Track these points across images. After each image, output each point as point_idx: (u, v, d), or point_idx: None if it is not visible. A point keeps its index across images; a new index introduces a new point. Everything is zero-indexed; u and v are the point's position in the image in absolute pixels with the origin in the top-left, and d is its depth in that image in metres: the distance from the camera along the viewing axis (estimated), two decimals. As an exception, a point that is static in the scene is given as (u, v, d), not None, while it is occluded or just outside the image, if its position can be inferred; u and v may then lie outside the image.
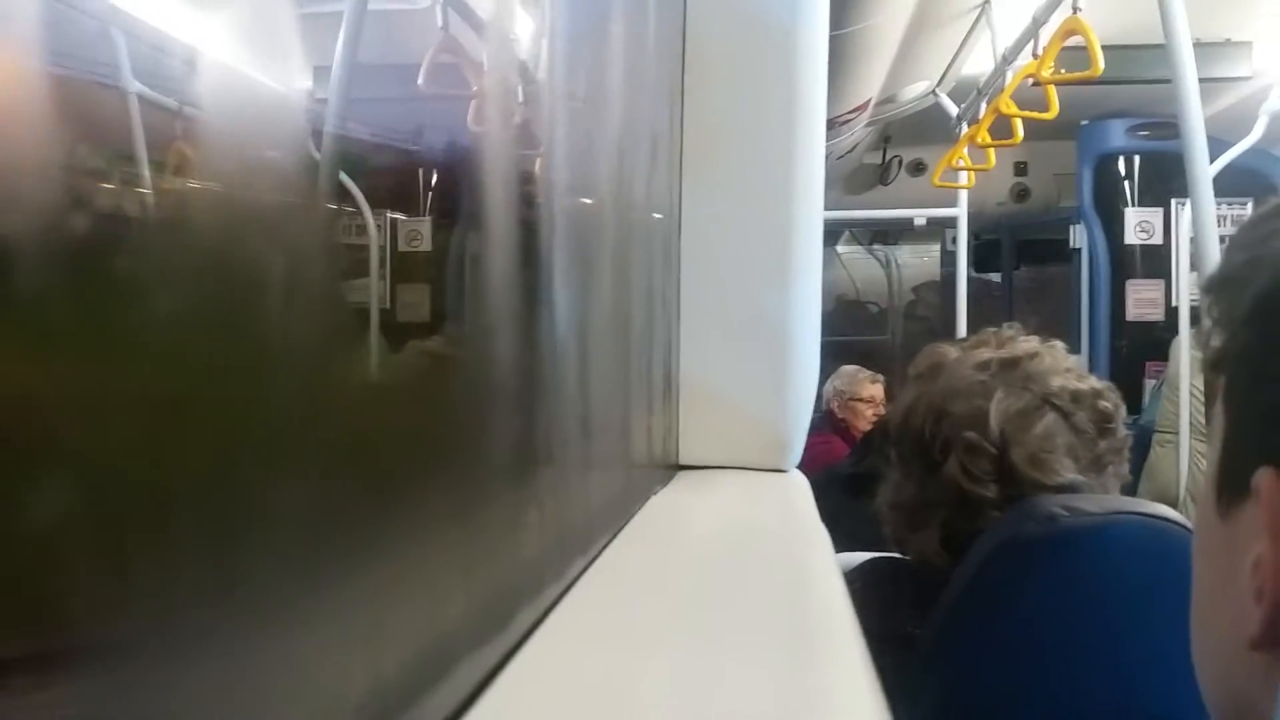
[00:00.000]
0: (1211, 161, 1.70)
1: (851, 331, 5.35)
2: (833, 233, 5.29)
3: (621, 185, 0.66)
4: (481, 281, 0.39)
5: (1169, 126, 2.93)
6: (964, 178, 3.25)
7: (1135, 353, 3.90)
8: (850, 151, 3.78)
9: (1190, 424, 3.06)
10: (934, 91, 3.29)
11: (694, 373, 0.87)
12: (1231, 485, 0.40)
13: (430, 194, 2.82)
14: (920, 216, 3.79)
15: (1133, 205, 3.89)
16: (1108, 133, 3.80)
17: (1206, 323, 0.42)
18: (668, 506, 0.69)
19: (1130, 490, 0.97)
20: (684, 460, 0.88)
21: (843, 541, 1.19)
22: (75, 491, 0.19)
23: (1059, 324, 3.76)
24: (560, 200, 0.52)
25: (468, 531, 0.35)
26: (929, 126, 3.51)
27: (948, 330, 3.95)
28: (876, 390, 3.08)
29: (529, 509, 0.41)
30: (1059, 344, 0.97)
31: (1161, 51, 1.75)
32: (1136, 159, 3.83)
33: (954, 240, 3.76)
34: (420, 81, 1.71)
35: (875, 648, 0.89)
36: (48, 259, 0.19)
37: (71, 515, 0.19)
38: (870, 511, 1.52)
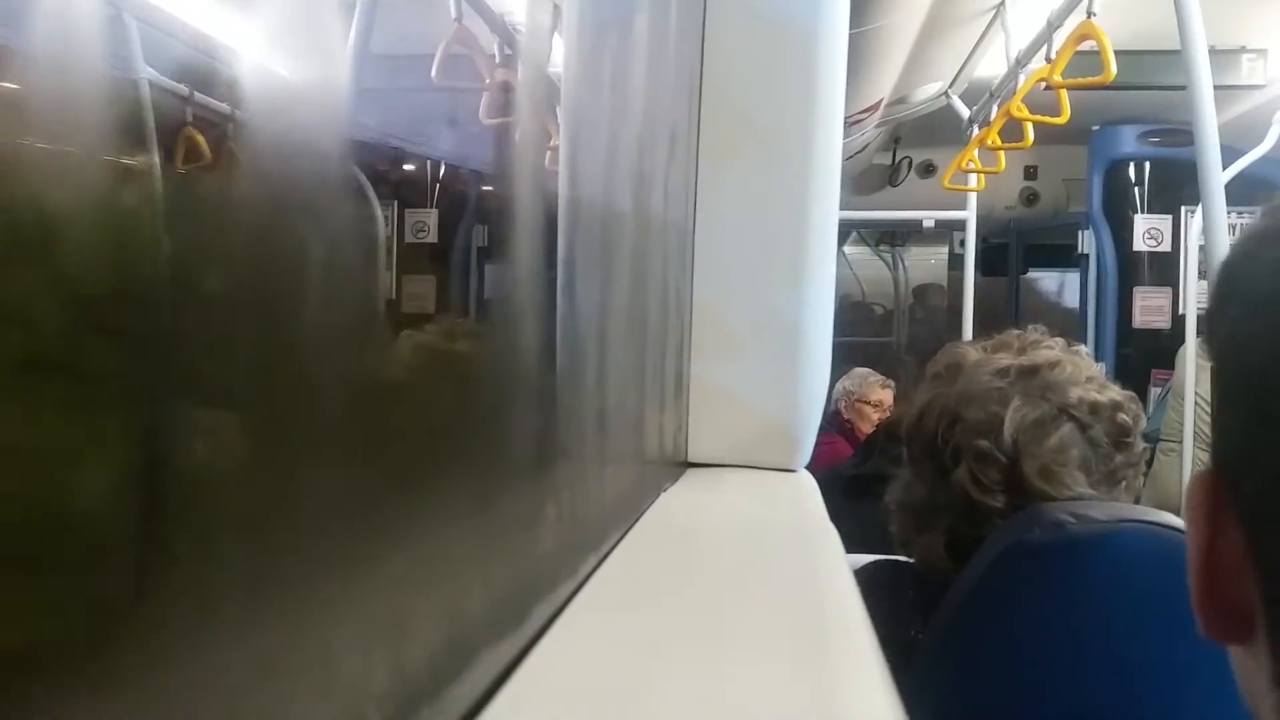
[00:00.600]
0: (1223, 169, 1.70)
1: (857, 333, 5.34)
2: (840, 233, 5.26)
3: (637, 182, 0.66)
4: (498, 277, 0.39)
5: (1180, 133, 2.92)
6: (973, 180, 3.25)
7: (1141, 360, 3.89)
8: (860, 152, 3.77)
9: (1194, 433, 3.05)
10: (946, 93, 3.28)
11: (705, 370, 0.87)
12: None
13: (439, 187, 2.82)
14: (929, 218, 3.78)
15: (1142, 212, 3.88)
16: (1119, 138, 3.79)
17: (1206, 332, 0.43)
18: (678, 504, 0.69)
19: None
20: (693, 458, 0.88)
21: (844, 543, 1.19)
22: (102, 480, 0.19)
23: (1065, 329, 3.74)
24: (575, 196, 0.52)
25: (486, 525, 0.35)
26: (939, 128, 3.50)
27: (953, 333, 3.94)
28: (886, 395, 3.07)
29: (545, 504, 0.41)
30: (1083, 349, 0.96)
31: (1174, 57, 1.74)
32: (1147, 165, 3.83)
33: (962, 243, 3.75)
34: (434, 73, 1.71)
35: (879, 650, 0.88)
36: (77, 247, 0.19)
37: (98, 503, 0.19)
38: (872, 514, 1.52)
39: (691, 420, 0.87)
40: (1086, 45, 2.01)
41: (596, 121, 0.58)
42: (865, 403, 3.06)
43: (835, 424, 3.03)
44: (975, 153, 2.90)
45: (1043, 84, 2.18)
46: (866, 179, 4.31)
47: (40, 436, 0.19)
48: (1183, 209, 3.74)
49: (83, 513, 0.19)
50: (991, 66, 2.93)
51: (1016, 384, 0.90)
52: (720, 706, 0.33)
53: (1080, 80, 2.13)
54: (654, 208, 0.72)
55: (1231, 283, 0.39)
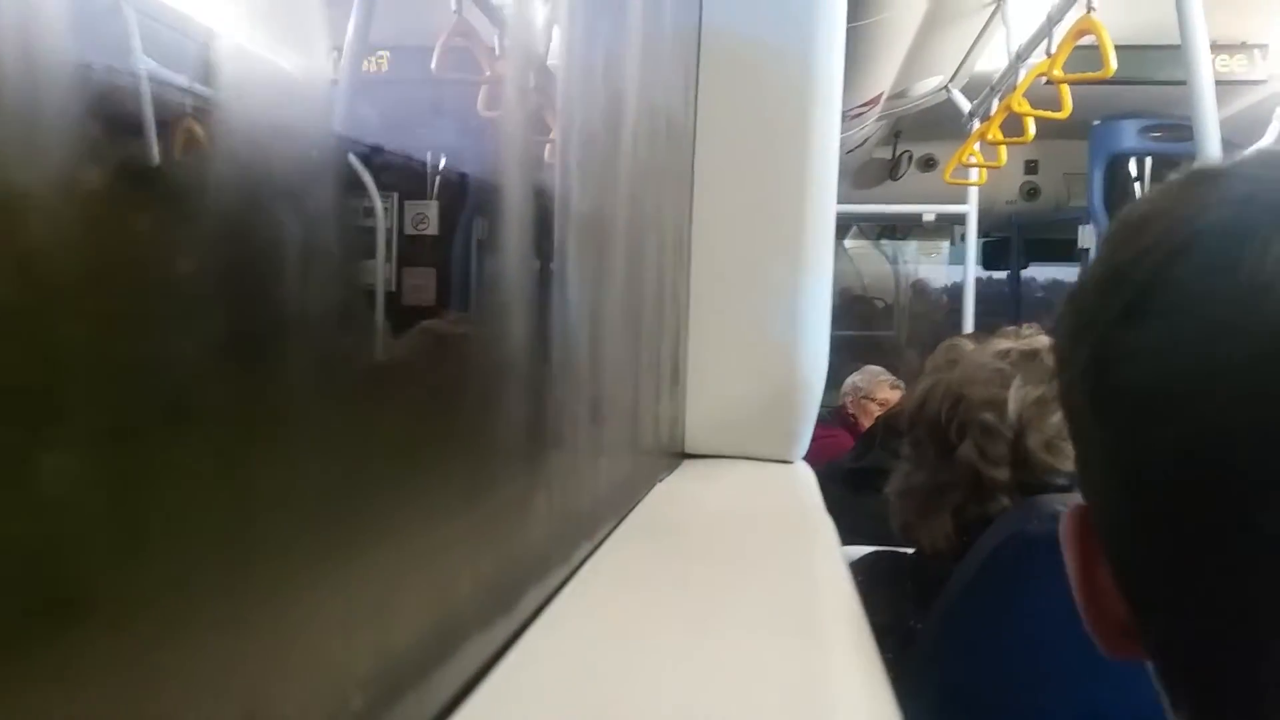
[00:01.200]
0: (1224, 164, 1.69)
1: (857, 326, 5.33)
2: (840, 227, 5.25)
3: (634, 173, 0.65)
4: (491, 266, 0.39)
5: (1181, 128, 2.91)
6: (975, 174, 3.24)
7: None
8: (860, 146, 3.76)
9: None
10: (946, 87, 3.27)
11: (702, 362, 0.87)
12: None
13: (438, 179, 2.82)
14: (930, 212, 3.77)
15: (1142, 207, 3.86)
16: (1119, 133, 3.78)
17: None
18: (673, 494, 0.69)
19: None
20: (690, 449, 0.88)
21: (843, 536, 1.19)
22: (84, 460, 0.19)
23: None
24: (572, 188, 0.52)
25: (476, 512, 0.35)
26: (940, 122, 3.49)
27: (953, 328, 3.94)
28: (894, 396, 3.07)
29: (537, 492, 0.41)
30: None
31: (1175, 52, 1.74)
32: (1148, 161, 3.82)
33: (962, 237, 3.74)
34: (434, 65, 1.71)
35: (877, 642, 0.89)
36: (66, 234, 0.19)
37: (81, 483, 0.19)
38: (871, 507, 1.52)
39: (689, 412, 0.87)
40: (1087, 40, 2.01)
41: (593, 113, 0.58)
42: (871, 400, 3.06)
43: (840, 419, 3.03)
44: (976, 147, 2.89)
45: (1043, 79, 2.18)
46: (867, 173, 4.30)
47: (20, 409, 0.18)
48: (1183, 204, 3.72)
49: (62, 490, 0.19)
50: (992, 61, 2.92)
51: (1018, 365, 0.90)
52: (710, 690, 0.33)
53: (1080, 75, 2.13)
54: (651, 199, 0.72)
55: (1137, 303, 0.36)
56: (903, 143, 4.23)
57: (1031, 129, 2.43)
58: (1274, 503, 0.31)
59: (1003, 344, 0.94)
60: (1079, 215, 4.08)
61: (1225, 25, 2.85)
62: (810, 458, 0.94)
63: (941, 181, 3.35)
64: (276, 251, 0.25)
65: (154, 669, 0.20)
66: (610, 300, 0.58)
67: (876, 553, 1.11)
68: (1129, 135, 3.74)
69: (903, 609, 0.96)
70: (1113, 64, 1.95)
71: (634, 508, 0.60)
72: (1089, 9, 1.97)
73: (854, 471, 1.89)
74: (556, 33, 0.52)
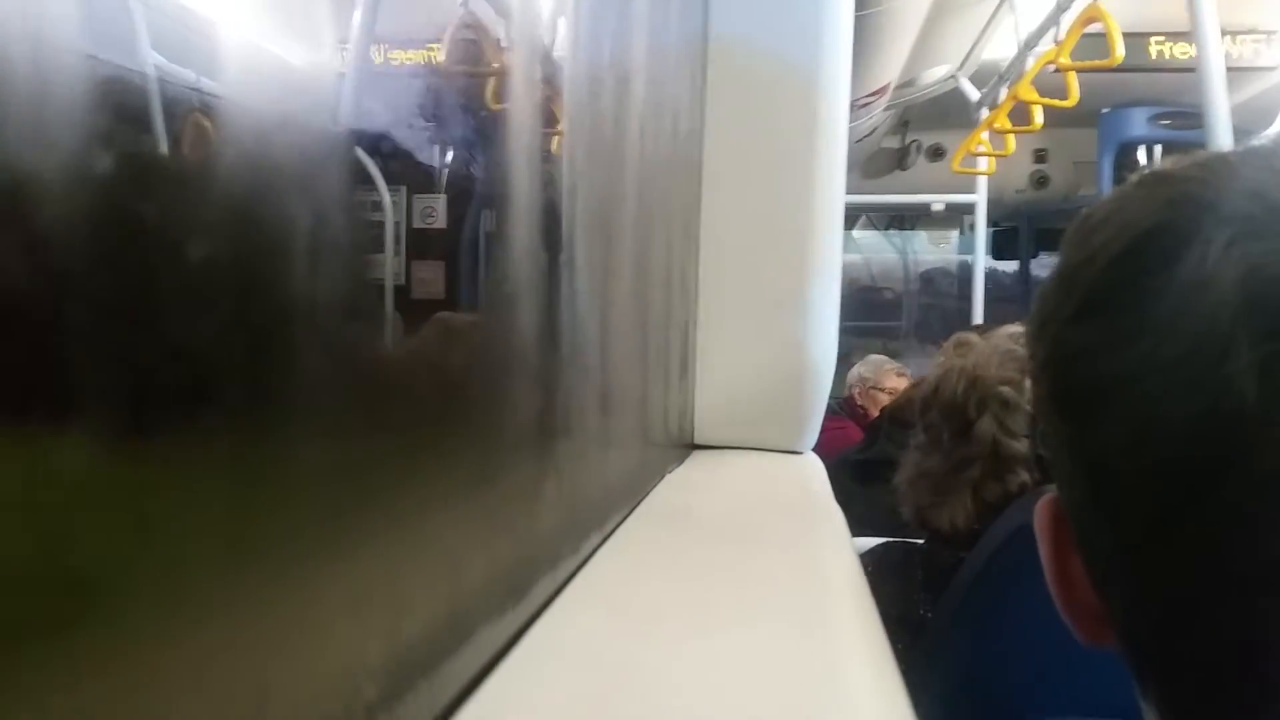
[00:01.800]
0: (1234, 151, 1.68)
1: (866, 317, 5.33)
2: (849, 217, 5.25)
3: (642, 164, 0.65)
4: (502, 258, 0.39)
5: (1191, 116, 2.90)
6: (983, 163, 3.23)
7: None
8: (869, 135, 3.75)
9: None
10: (955, 76, 3.26)
11: (711, 353, 0.87)
12: None
13: (447, 171, 2.82)
14: (939, 202, 3.77)
15: (1152, 195, 3.84)
16: (1129, 121, 3.76)
17: None
18: (682, 485, 0.70)
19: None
20: (699, 440, 0.88)
21: (852, 527, 1.19)
22: (96, 448, 0.20)
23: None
24: (581, 180, 0.52)
25: (487, 503, 0.35)
26: (948, 111, 3.48)
27: (963, 318, 3.93)
28: (900, 383, 3.06)
29: (547, 482, 0.41)
30: None
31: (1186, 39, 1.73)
32: (1157, 148, 3.80)
33: (972, 227, 3.73)
34: (441, 57, 1.71)
35: (887, 631, 0.89)
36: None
37: (94, 472, 0.19)
38: (879, 498, 1.51)
39: (698, 403, 0.87)
40: (1095, 28, 2.00)
41: (601, 103, 0.58)
42: (880, 390, 3.05)
43: (848, 410, 3.02)
44: (984, 136, 2.88)
45: (1051, 66, 2.17)
46: (875, 163, 4.28)
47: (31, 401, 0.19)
48: (1194, 192, 3.70)
49: (69, 476, 0.19)
50: (1000, 49, 2.91)
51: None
52: (721, 684, 0.33)
53: (1088, 63, 2.12)
54: (659, 190, 0.72)
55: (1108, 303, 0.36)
56: (911, 132, 4.22)
57: (1039, 117, 2.42)
58: (1209, 496, 0.31)
59: (1014, 328, 0.95)
60: (1089, 203, 4.05)
61: (1235, 11, 2.83)
62: (820, 449, 0.94)
63: (950, 171, 3.34)
64: (287, 242, 0.25)
65: (164, 658, 0.20)
66: (619, 293, 0.58)
67: (887, 543, 1.11)
68: (1138, 123, 3.72)
69: (913, 599, 0.96)
70: (1120, 51, 1.94)
71: (644, 498, 0.60)
72: (1095, -5, 1.96)
73: (860, 463, 1.89)
74: (564, 22, 0.52)
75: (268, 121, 0.25)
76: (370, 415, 0.28)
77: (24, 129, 0.17)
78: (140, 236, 0.23)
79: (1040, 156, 4.25)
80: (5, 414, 0.17)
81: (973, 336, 0.99)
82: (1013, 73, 2.62)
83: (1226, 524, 0.32)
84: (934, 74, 3.23)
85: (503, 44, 0.48)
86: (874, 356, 3.19)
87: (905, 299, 5.67)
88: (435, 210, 2.98)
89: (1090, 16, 1.97)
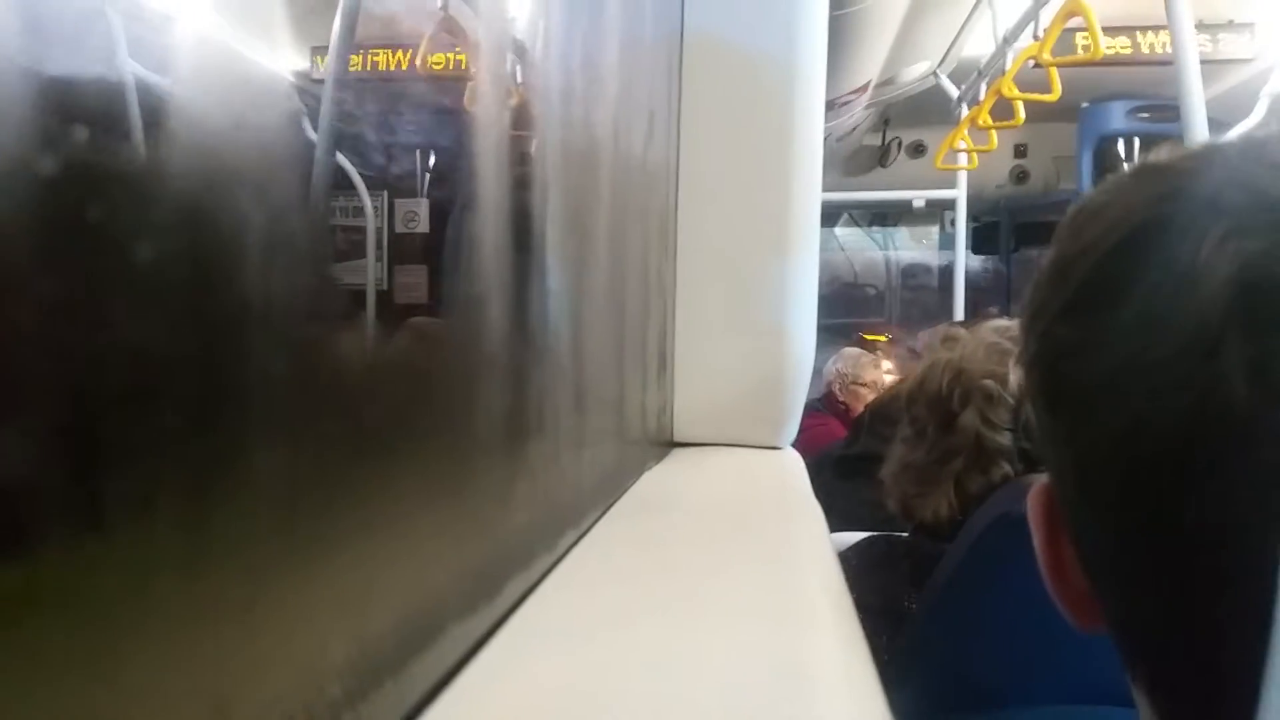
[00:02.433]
0: (1211, 143, 1.69)
1: (849, 314, 5.34)
2: (831, 215, 5.28)
3: (617, 161, 0.65)
4: (475, 258, 0.39)
5: (1169, 109, 2.91)
6: (964, 159, 3.24)
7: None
8: (850, 133, 3.76)
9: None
10: (935, 73, 3.27)
11: (690, 350, 0.87)
12: None
13: (425, 175, 2.82)
14: (919, 198, 3.78)
15: (1132, 188, 3.85)
16: (1108, 114, 3.78)
17: None
18: (660, 482, 0.70)
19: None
20: (679, 437, 0.88)
21: (836, 523, 1.20)
22: (48, 448, 0.19)
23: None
24: (555, 178, 0.52)
25: (456, 501, 0.35)
26: (929, 108, 3.49)
27: (944, 313, 3.94)
28: (879, 374, 3.07)
29: (520, 481, 0.41)
30: None
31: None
32: (1136, 141, 3.82)
33: (952, 222, 3.75)
34: (418, 61, 1.71)
35: (872, 623, 0.89)
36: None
37: (43, 469, 0.19)
38: (863, 493, 1.51)
39: (677, 400, 0.88)
40: (1075, 21, 2.01)
41: (575, 100, 0.58)
42: (860, 384, 3.05)
43: (829, 406, 3.02)
44: (966, 131, 2.89)
45: (1032, 62, 2.18)
46: (857, 160, 4.30)
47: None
48: (1173, 185, 3.72)
49: (25, 474, 0.19)
50: (979, 45, 2.92)
51: (1017, 340, 0.92)
52: (694, 680, 0.34)
53: (1068, 58, 2.12)
54: (636, 188, 0.72)
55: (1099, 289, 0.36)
56: (892, 129, 4.23)
57: (1021, 112, 2.43)
58: (1199, 494, 0.32)
59: (1000, 322, 0.96)
60: (1069, 198, 4.07)
61: (1212, 4, 2.85)
62: (802, 446, 0.95)
63: (931, 167, 3.35)
64: (240, 244, 0.25)
65: (119, 657, 0.20)
66: (594, 293, 0.58)
67: (871, 537, 1.12)
68: (1117, 117, 3.74)
69: (897, 591, 0.96)
70: (1101, 46, 1.95)
71: (621, 496, 0.60)
72: (1076, -10, 1.97)
73: (844, 459, 1.90)
74: (540, 23, 0.52)
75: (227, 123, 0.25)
76: (337, 413, 0.28)
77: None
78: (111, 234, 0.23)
79: (1020, 151, 4.27)
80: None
81: (960, 330, 0.99)
82: (992, 69, 2.62)
83: (1216, 521, 0.32)
84: (914, 71, 3.24)
85: (480, 45, 0.48)
86: (848, 350, 3.19)
87: (888, 295, 5.69)
88: (416, 214, 2.97)
89: (1071, 11, 1.97)
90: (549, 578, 0.42)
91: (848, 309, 5.36)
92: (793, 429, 0.90)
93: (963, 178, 3.48)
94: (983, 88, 2.72)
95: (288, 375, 0.26)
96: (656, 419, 0.80)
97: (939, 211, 4.89)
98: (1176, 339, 0.32)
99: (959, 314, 3.61)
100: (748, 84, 0.86)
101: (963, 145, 3.01)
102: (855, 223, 5.59)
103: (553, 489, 0.46)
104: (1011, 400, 0.89)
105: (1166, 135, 3.24)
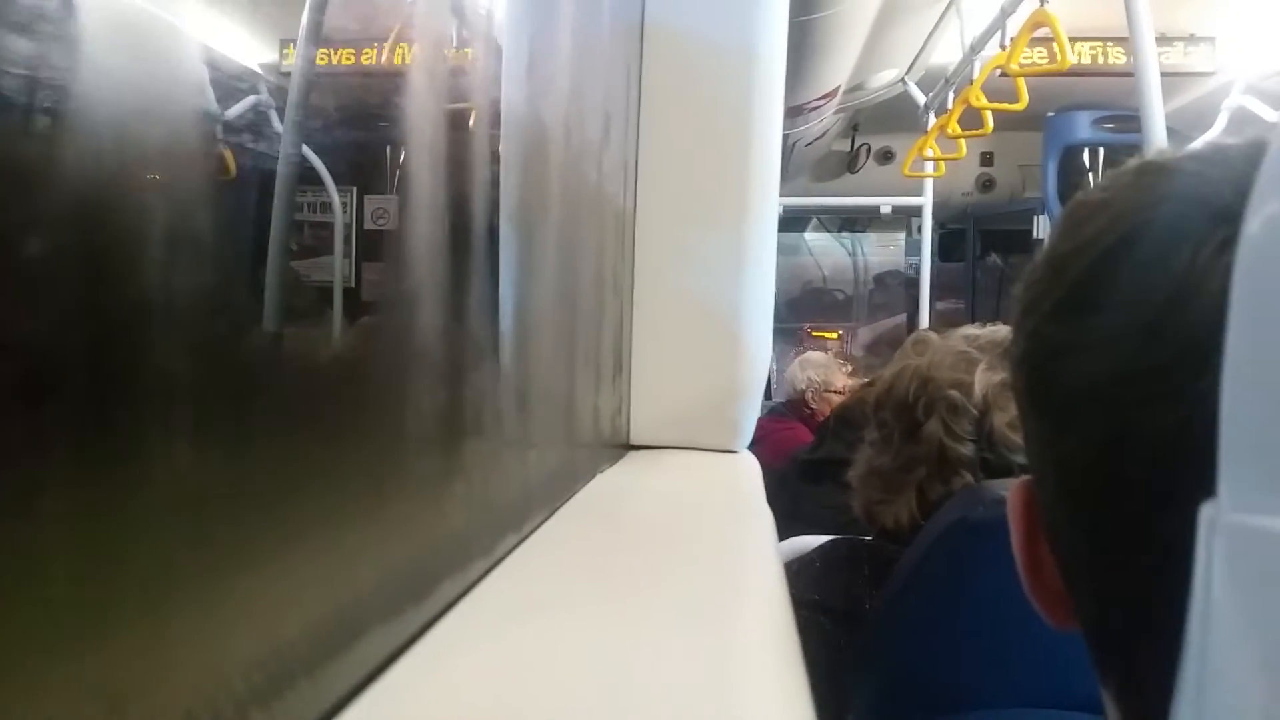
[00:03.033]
0: (1171, 155, 1.71)
1: (818, 318, 5.36)
2: (800, 220, 5.30)
3: (572, 166, 0.65)
4: (414, 255, 0.39)
5: (1133, 119, 2.94)
6: (931, 167, 3.26)
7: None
8: (819, 139, 3.77)
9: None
10: (903, 80, 3.29)
11: (646, 354, 0.87)
12: None
13: (373, 170, 2.79)
14: (887, 205, 3.80)
15: (1096, 197, 3.88)
16: (1073, 124, 3.81)
17: None
18: (612, 484, 0.69)
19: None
20: (635, 440, 0.88)
21: (802, 527, 1.20)
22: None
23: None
24: (508, 176, 0.51)
25: (380, 503, 0.35)
26: (897, 115, 3.51)
27: (913, 319, 3.96)
28: (847, 380, 3.08)
29: (455, 482, 0.41)
30: None
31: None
32: (1101, 151, 3.85)
33: (919, 229, 3.77)
34: (384, 57, 1.70)
35: (833, 622, 0.89)
36: None
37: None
38: (828, 497, 1.51)
39: (634, 403, 0.87)
40: (1042, 32, 2.02)
41: (537, 108, 0.58)
42: (831, 391, 3.06)
43: (793, 410, 3.03)
44: (934, 140, 2.91)
45: (998, 71, 2.20)
46: (826, 165, 4.31)
47: None
48: (1136, 194, 3.75)
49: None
50: (947, 53, 2.94)
51: (985, 350, 0.92)
52: (624, 680, 0.33)
53: (1036, 68, 2.14)
54: (592, 191, 0.72)
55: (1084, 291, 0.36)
56: (861, 135, 4.25)
57: (990, 122, 2.45)
58: (1180, 511, 0.31)
59: (970, 330, 0.96)
60: (1034, 206, 4.11)
61: (1173, 18, 2.88)
62: (770, 451, 0.95)
63: (899, 174, 3.37)
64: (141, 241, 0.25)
65: (30, 657, 0.19)
66: (542, 293, 0.58)
67: (834, 540, 1.12)
68: (1082, 126, 3.78)
69: (859, 593, 0.97)
70: (1068, 56, 1.97)
71: (569, 498, 0.60)
72: (1042, 1, 1.99)
73: (810, 463, 1.90)
74: (497, 24, 0.52)
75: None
76: (254, 412, 0.28)
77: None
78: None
79: (987, 160, 4.30)
80: None
81: (932, 336, 0.99)
82: (959, 77, 2.64)
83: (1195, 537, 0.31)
84: (882, 78, 3.26)
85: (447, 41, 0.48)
86: (815, 356, 3.19)
87: (856, 300, 5.72)
88: (385, 211, 2.96)
89: (1038, 21, 1.99)
90: (484, 580, 0.42)
91: (816, 313, 5.39)
92: (748, 433, 0.90)
93: (929, 185, 3.50)
94: (950, 96, 2.73)
95: (195, 371, 0.25)
96: (611, 421, 0.80)
97: (906, 218, 4.92)
98: (1167, 350, 0.31)
99: (924, 320, 3.63)
100: (708, 80, 0.86)
101: (931, 154, 3.03)
102: (824, 227, 5.61)
103: (491, 490, 0.45)
104: (975, 411, 0.90)
105: (1131, 145, 3.27)
